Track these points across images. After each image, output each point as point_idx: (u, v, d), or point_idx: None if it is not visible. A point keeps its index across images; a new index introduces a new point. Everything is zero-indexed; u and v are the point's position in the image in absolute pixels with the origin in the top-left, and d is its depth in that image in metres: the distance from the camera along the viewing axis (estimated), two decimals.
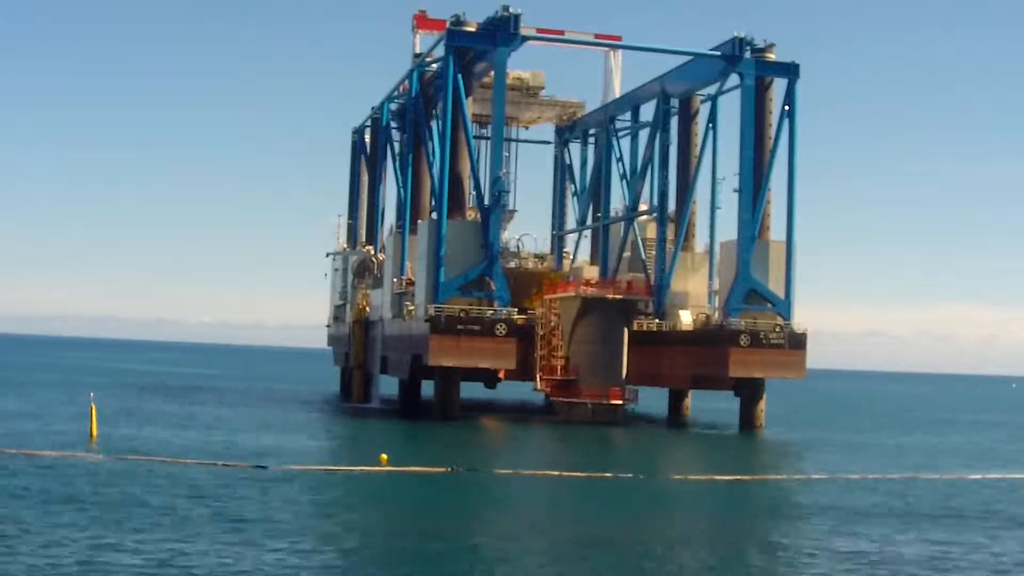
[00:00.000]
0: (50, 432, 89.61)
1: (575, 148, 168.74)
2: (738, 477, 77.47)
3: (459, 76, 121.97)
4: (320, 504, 58.37)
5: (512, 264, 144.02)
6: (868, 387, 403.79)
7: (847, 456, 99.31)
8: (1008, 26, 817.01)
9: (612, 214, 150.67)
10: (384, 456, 73.38)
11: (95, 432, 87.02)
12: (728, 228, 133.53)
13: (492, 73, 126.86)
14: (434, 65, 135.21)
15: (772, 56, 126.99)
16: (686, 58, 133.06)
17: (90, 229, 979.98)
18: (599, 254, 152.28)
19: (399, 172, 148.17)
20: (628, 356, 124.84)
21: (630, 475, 74.71)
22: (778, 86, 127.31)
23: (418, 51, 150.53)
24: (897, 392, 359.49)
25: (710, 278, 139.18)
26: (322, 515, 54.80)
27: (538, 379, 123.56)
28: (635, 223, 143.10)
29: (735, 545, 51.20)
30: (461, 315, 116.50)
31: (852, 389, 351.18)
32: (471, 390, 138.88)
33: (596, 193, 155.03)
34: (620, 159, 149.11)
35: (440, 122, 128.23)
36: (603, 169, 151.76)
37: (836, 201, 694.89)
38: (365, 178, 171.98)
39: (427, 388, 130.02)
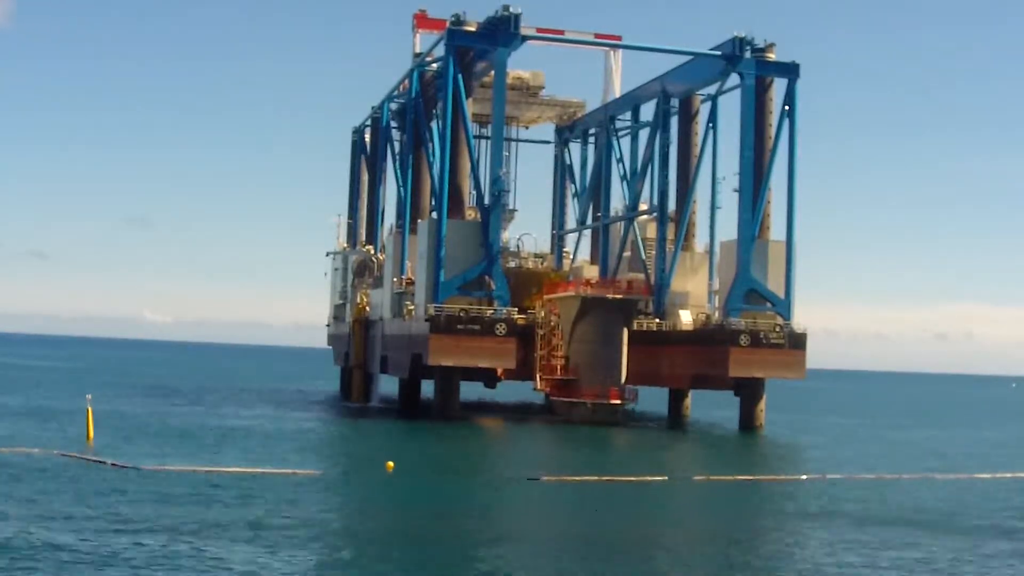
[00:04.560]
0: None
1: (575, 148, 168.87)
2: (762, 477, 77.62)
3: (459, 76, 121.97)
4: (328, 508, 58.38)
5: (512, 264, 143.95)
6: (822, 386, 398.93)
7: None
8: (1007, 25, 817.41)
9: (612, 214, 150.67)
10: (390, 463, 73.46)
11: (91, 434, 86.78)
12: (728, 228, 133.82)
13: (492, 73, 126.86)
14: (434, 65, 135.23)
15: (772, 56, 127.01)
16: (686, 58, 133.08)
17: (90, 228, 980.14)
18: (599, 254, 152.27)
19: (399, 172, 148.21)
20: (628, 356, 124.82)
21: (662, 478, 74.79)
22: (778, 86, 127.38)
23: (418, 51, 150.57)
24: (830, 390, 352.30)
25: (710, 278, 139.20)
26: (329, 519, 54.78)
27: (538, 379, 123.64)
28: (635, 223, 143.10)
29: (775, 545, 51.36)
30: (461, 315, 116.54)
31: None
32: (471, 390, 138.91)
33: (596, 193, 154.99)
34: (620, 159, 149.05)
35: (440, 122, 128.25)
36: (603, 169, 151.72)
37: (836, 201, 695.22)
38: (365, 178, 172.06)
39: (427, 388, 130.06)
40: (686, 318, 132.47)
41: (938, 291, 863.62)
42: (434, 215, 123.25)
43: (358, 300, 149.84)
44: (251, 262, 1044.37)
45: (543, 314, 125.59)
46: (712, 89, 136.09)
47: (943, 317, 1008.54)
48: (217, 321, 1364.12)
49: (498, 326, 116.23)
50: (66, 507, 52.91)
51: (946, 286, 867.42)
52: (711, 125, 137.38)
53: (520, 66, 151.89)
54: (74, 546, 44.11)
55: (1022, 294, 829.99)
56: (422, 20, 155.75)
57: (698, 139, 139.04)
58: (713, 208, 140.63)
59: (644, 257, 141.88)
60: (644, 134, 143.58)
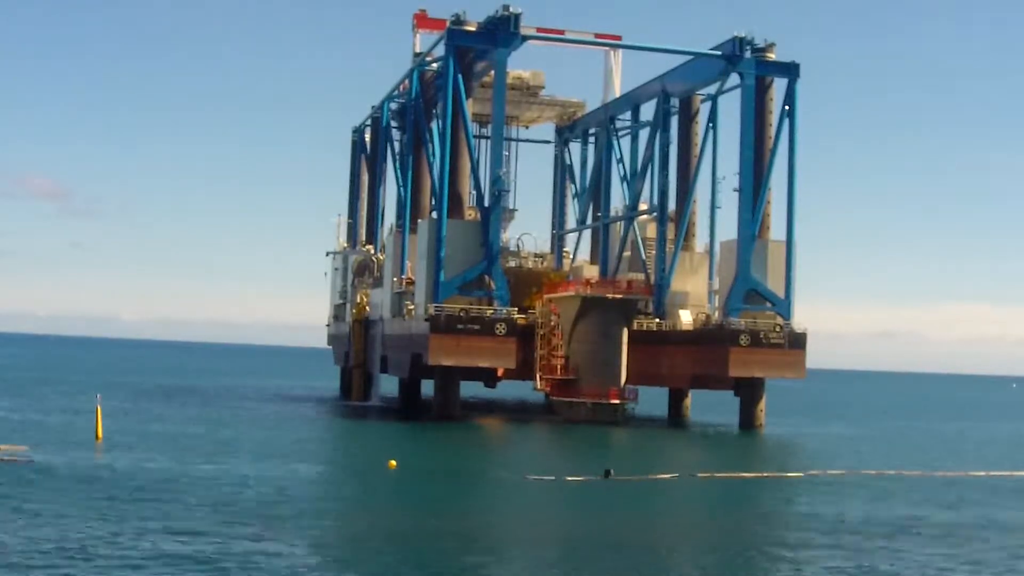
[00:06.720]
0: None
1: (575, 148, 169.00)
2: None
3: (459, 76, 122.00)
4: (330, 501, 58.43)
5: (512, 264, 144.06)
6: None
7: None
8: (1007, 24, 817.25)
9: (612, 214, 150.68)
10: (393, 462, 73.57)
11: (100, 433, 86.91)
12: (728, 228, 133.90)
13: (492, 73, 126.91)
14: (434, 65, 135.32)
15: (772, 56, 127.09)
16: (686, 58, 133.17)
17: (89, 227, 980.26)
18: (599, 254, 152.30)
19: (399, 172, 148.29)
20: (628, 356, 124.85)
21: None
22: (778, 86, 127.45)
23: (418, 51, 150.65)
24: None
25: (710, 278, 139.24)
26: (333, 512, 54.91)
27: (538, 378, 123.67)
28: (635, 223, 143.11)
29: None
30: (461, 314, 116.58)
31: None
32: (471, 389, 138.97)
33: (596, 193, 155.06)
34: (620, 159, 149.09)
35: (440, 122, 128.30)
36: (603, 169, 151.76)
37: (836, 201, 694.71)
38: (365, 178, 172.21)
39: (427, 387, 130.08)
40: (686, 318, 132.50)
41: (939, 291, 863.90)
42: (434, 215, 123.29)
43: (358, 300, 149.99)
44: (249, 260, 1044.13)
45: (543, 314, 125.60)
46: (712, 89, 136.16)
47: (944, 317, 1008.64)
48: (214, 320, 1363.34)
49: (498, 326, 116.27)
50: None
51: (946, 286, 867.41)
52: (711, 125, 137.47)
53: (520, 66, 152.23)
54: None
55: (1022, 294, 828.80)
56: (422, 20, 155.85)
57: (698, 139, 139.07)
58: (713, 208, 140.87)
59: (644, 257, 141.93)
60: (644, 134, 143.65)
